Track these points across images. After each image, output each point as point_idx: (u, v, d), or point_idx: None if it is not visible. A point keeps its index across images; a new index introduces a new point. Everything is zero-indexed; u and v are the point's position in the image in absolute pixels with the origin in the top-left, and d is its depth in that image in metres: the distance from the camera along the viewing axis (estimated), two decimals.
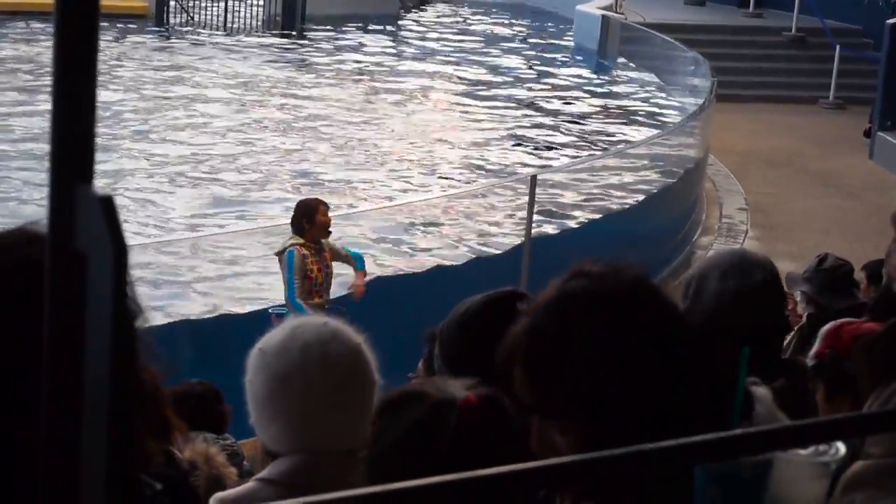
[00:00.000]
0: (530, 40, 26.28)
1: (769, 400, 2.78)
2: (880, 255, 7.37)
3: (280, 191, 14.38)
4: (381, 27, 26.44)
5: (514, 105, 19.89)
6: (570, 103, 20.24)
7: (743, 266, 3.77)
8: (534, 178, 10.44)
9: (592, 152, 16.79)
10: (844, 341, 4.31)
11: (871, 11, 21.58)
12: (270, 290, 10.14)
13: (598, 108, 19.95)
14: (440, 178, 15.54)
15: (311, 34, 25.51)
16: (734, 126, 17.81)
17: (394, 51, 24.31)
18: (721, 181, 15.52)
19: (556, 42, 25.97)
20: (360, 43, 24.80)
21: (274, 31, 25.45)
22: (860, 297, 6.29)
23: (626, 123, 18.91)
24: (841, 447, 1.71)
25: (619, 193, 14.01)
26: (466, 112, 19.32)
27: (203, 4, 25.77)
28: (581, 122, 19.03)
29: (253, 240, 11.11)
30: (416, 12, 29.36)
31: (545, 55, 24.60)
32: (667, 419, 1.82)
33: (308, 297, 8.50)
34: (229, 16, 25.68)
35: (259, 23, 25.86)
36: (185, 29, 25.24)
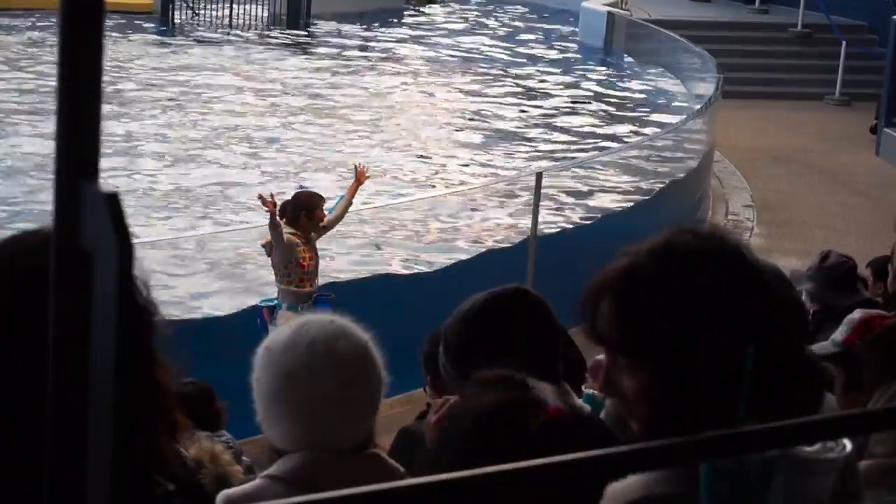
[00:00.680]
0: (535, 37, 26.25)
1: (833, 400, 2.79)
2: (887, 252, 7.36)
3: (281, 188, 14.40)
4: (386, 24, 26.43)
5: (518, 101, 19.87)
6: (575, 100, 20.21)
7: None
8: (539, 175, 10.43)
9: (598, 149, 16.78)
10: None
11: (877, 7, 21.55)
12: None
13: (603, 105, 19.93)
14: (442, 175, 15.54)
15: (316, 31, 25.51)
16: (740, 123, 17.79)
17: (399, 47, 24.30)
18: (727, 178, 15.51)
19: (562, 39, 25.95)
20: (365, 40, 24.79)
21: (279, 29, 25.45)
22: (865, 293, 6.28)
23: (631, 120, 18.89)
24: (847, 443, 1.71)
25: (625, 190, 14.01)
26: (470, 109, 19.30)
27: (208, 1, 25.76)
28: (586, 118, 19.02)
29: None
30: (421, 9, 29.33)
31: (550, 52, 24.57)
32: (734, 385, 1.83)
33: (299, 285, 8.59)
34: (234, 13, 25.68)
35: (264, 20, 25.85)
36: (189, 26, 25.25)
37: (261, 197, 8.68)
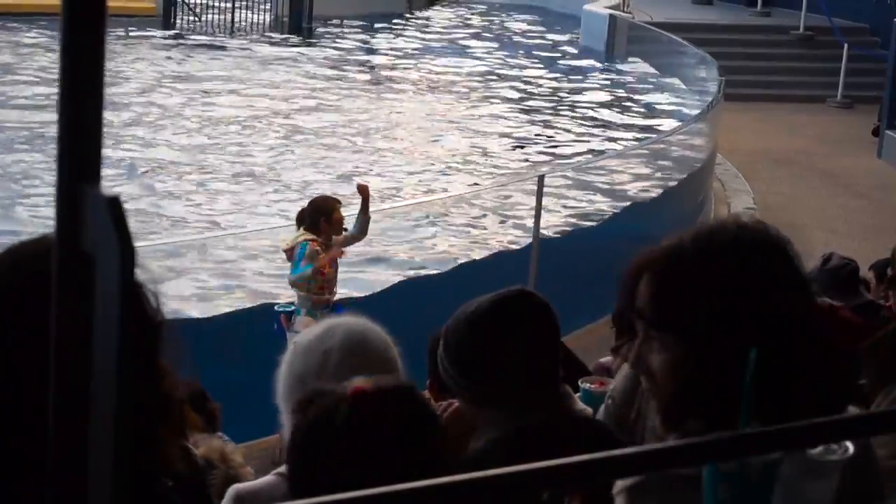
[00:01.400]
0: (537, 40, 26.26)
1: None
2: (889, 254, 7.36)
3: (287, 189, 14.40)
4: (388, 27, 26.45)
5: (519, 104, 19.88)
6: (577, 103, 20.22)
7: None
8: (541, 177, 10.43)
9: (600, 152, 16.78)
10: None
11: (879, 9, 21.55)
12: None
13: (605, 108, 19.93)
14: (444, 176, 15.54)
15: (318, 34, 25.53)
16: (742, 125, 17.79)
17: (401, 51, 24.31)
18: (729, 180, 15.51)
19: (564, 42, 25.96)
20: (367, 43, 24.82)
21: (280, 33, 25.47)
22: (867, 295, 6.28)
23: (633, 123, 18.90)
24: (850, 446, 1.71)
25: (627, 193, 14.00)
26: (472, 112, 19.31)
27: (210, 5, 25.79)
28: (589, 121, 19.02)
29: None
30: (423, 12, 29.36)
31: (552, 55, 24.58)
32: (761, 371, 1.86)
33: (318, 293, 8.47)
34: (236, 17, 25.71)
35: (266, 24, 25.87)
36: (192, 30, 25.27)
37: (359, 187, 8.90)
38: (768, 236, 2.04)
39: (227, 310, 9.93)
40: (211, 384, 5.71)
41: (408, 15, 28.60)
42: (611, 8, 24.39)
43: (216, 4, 25.82)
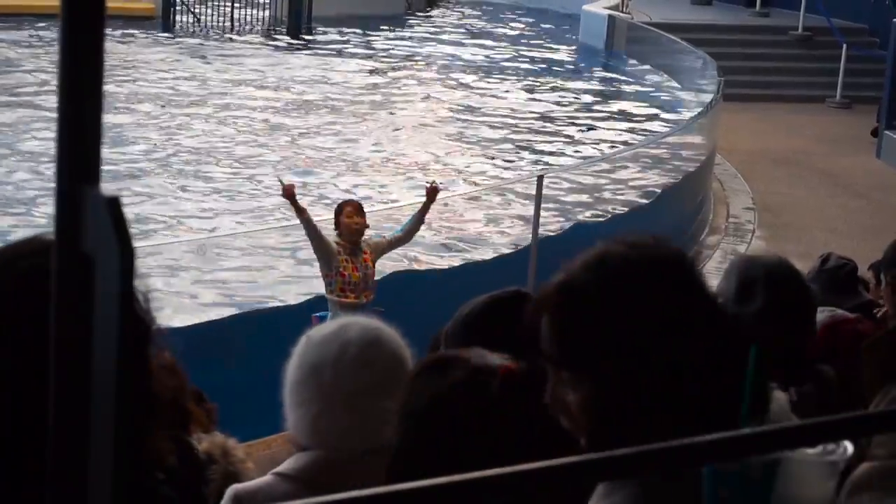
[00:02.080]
0: (536, 40, 26.27)
1: (784, 400, 2.78)
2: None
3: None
4: (387, 28, 26.45)
5: (519, 104, 19.88)
6: (575, 102, 20.23)
7: (788, 275, 3.76)
8: (540, 178, 10.44)
9: (599, 152, 16.78)
10: (844, 341, 4.30)
11: (878, 10, 21.56)
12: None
13: (603, 108, 19.94)
14: (441, 179, 15.52)
15: (316, 35, 25.52)
16: (741, 125, 17.80)
17: (399, 52, 24.31)
18: (728, 180, 15.51)
19: (563, 42, 25.97)
20: (366, 44, 24.81)
21: (280, 33, 25.47)
22: (866, 295, 6.27)
23: (632, 123, 18.89)
24: (849, 446, 1.71)
25: (626, 193, 14.00)
26: (470, 112, 19.30)
27: (209, 5, 25.79)
28: (587, 121, 19.02)
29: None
30: (422, 14, 29.36)
31: (551, 55, 24.59)
32: (676, 393, 1.85)
33: (340, 295, 8.40)
34: (235, 17, 25.71)
35: (265, 24, 25.87)
36: (191, 30, 25.27)
37: (280, 180, 8.72)
38: (660, 252, 1.96)
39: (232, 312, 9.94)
40: (210, 385, 5.72)
41: (406, 16, 28.59)
42: (610, 8, 24.39)
43: (215, 4, 25.81)
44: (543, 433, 1.99)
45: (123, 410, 0.81)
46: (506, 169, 16.04)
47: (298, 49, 24.05)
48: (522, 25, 28.23)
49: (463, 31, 27.45)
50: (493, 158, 16.59)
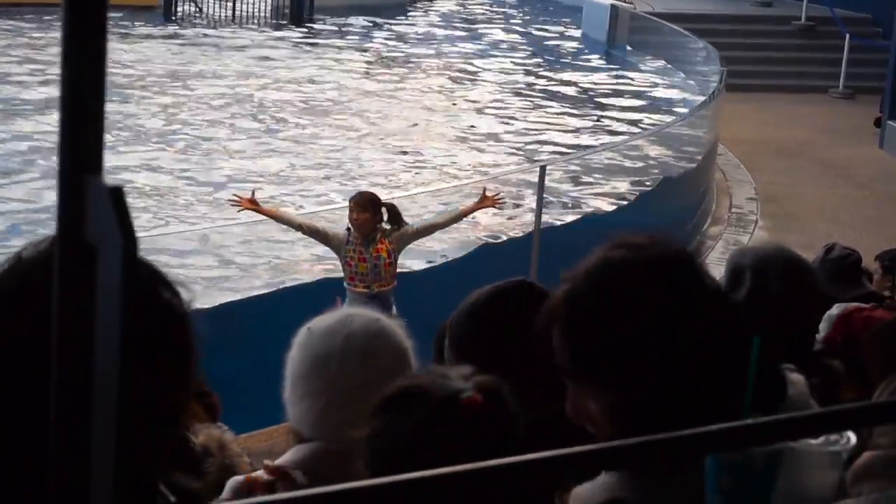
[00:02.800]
0: (538, 30, 26.24)
1: (802, 384, 2.78)
2: (891, 245, 7.35)
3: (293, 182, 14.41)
4: (389, 17, 26.43)
5: (521, 93, 19.87)
6: (578, 93, 20.21)
7: (796, 265, 3.75)
8: (543, 168, 10.43)
9: (601, 142, 16.77)
10: (856, 329, 4.29)
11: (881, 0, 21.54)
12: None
13: (606, 98, 19.92)
14: (443, 169, 15.53)
15: (319, 25, 25.50)
16: (744, 116, 17.78)
17: (402, 41, 24.29)
18: (731, 171, 15.50)
19: (565, 32, 25.94)
20: (368, 34, 24.79)
21: (282, 23, 25.46)
22: (870, 286, 6.27)
23: (635, 113, 18.88)
24: (852, 436, 1.71)
25: (629, 183, 14.00)
26: (473, 102, 19.30)
27: None
28: (590, 112, 19.01)
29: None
30: (426, 2, 29.33)
31: (553, 45, 24.57)
32: (699, 392, 1.84)
33: (349, 283, 8.52)
34: (237, 7, 25.70)
35: (267, 14, 25.86)
36: (193, 20, 25.26)
37: (235, 197, 8.79)
38: (661, 251, 1.94)
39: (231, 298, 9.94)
40: (210, 375, 5.72)
41: (408, 5, 28.56)
42: None
43: None
44: (524, 443, 1.97)
45: (126, 404, 0.81)
46: (509, 155, 16.03)
47: (300, 39, 24.01)
48: (524, 13, 28.19)
49: (465, 19, 27.41)
50: (492, 149, 16.57)
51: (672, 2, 24.03)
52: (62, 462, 0.83)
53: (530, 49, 23.99)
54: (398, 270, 8.71)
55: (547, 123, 18.14)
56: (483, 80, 20.90)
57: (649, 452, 1.10)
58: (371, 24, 25.62)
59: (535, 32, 26.00)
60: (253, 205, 8.64)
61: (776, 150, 16.61)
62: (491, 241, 11.95)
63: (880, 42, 20.53)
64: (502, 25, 26.77)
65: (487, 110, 18.77)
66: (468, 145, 16.73)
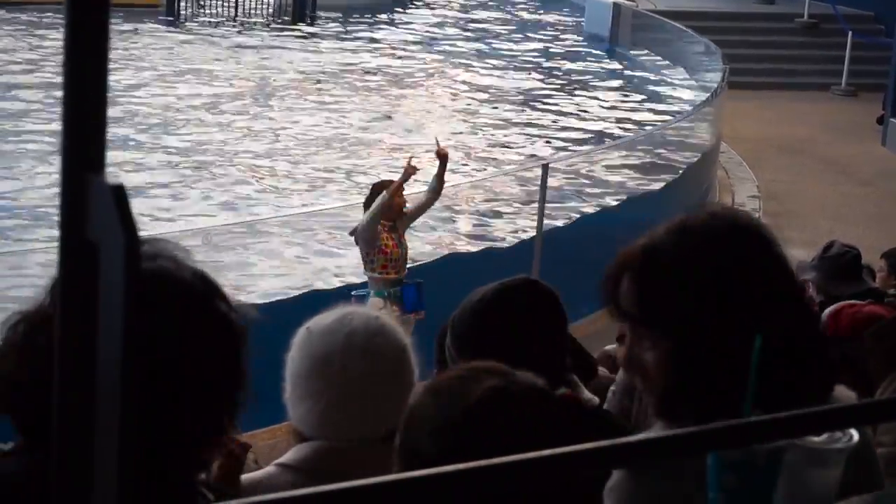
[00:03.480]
0: (541, 28, 26.23)
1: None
2: (892, 242, 7.34)
3: (297, 180, 14.42)
4: (391, 14, 26.42)
5: (523, 92, 19.86)
6: (581, 91, 20.20)
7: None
8: (545, 166, 10.43)
9: (604, 140, 16.76)
10: (843, 325, 4.29)
11: None
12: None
13: (609, 96, 19.91)
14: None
15: (321, 23, 25.51)
16: (746, 113, 17.77)
17: (403, 39, 24.28)
18: (733, 168, 15.50)
19: (568, 29, 25.93)
20: (369, 31, 24.78)
21: (284, 20, 25.46)
22: (871, 283, 6.26)
23: (637, 111, 18.88)
24: (855, 434, 1.71)
25: (630, 181, 13.99)
26: (475, 100, 19.29)
27: None
28: (592, 110, 19.00)
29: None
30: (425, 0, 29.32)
31: (556, 43, 24.55)
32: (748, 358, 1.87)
33: (382, 272, 8.52)
34: (240, 5, 25.71)
35: (269, 12, 25.86)
36: (195, 18, 25.27)
37: (438, 152, 8.90)
38: (740, 221, 2.06)
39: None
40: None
41: (410, 2, 28.54)
42: None
43: None
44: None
45: (128, 402, 0.81)
46: (508, 156, 16.02)
47: (302, 36, 24.01)
48: (527, 11, 28.17)
49: (468, 15, 27.40)
50: (494, 146, 16.57)
51: None
52: (65, 461, 0.83)
53: (531, 47, 23.97)
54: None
55: (548, 121, 18.13)
56: (484, 77, 20.88)
57: (653, 451, 1.10)
58: (372, 22, 25.60)
59: (536, 29, 25.97)
60: (445, 162, 8.83)
61: (778, 148, 16.60)
62: (493, 241, 11.95)
63: (883, 39, 20.51)
64: (503, 22, 26.75)
65: (488, 110, 18.76)
66: (469, 144, 16.72)
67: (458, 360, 2.89)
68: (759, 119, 18.11)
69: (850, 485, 1.82)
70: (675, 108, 18.11)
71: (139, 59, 20.56)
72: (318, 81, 19.86)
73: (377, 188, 8.74)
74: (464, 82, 20.59)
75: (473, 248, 11.64)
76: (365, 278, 8.74)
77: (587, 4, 25.18)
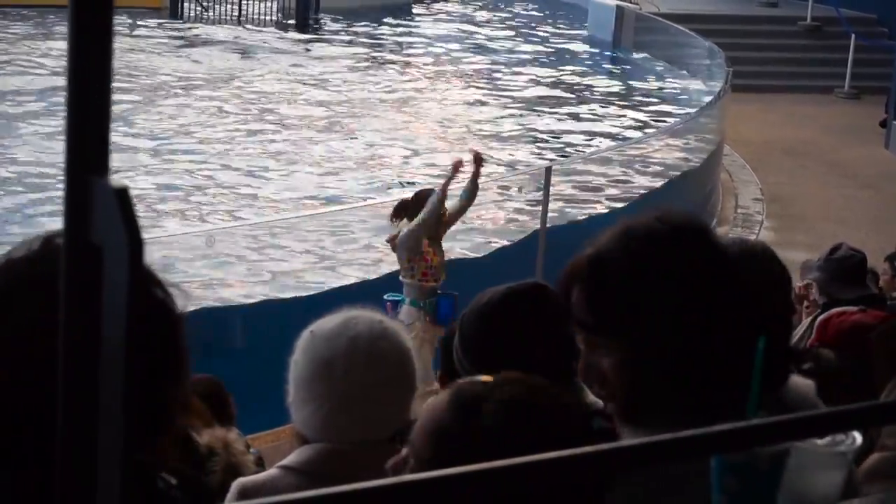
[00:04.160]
0: (543, 30, 26.23)
1: (810, 387, 2.77)
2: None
3: (297, 185, 14.43)
4: (395, 19, 26.43)
5: (527, 95, 19.86)
6: (584, 94, 20.20)
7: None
8: (548, 169, 10.43)
9: (607, 143, 16.76)
10: (829, 333, 4.30)
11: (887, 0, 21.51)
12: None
13: (612, 100, 19.91)
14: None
15: (324, 26, 25.51)
16: (749, 116, 17.76)
17: (407, 42, 24.29)
18: (737, 171, 15.49)
19: (571, 32, 25.92)
20: (373, 34, 24.79)
21: (287, 24, 25.46)
22: (873, 288, 6.25)
23: (640, 114, 18.87)
24: (857, 436, 1.71)
25: (634, 184, 13.99)
26: (478, 104, 19.30)
27: None
28: (596, 113, 19.00)
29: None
30: (429, 3, 29.32)
31: (558, 45, 24.55)
32: (705, 355, 1.92)
33: (422, 279, 8.46)
34: (243, 8, 25.72)
35: (273, 15, 25.87)
36: (199, 21, 25.28)
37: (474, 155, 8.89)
38: (683, 223, 2.05)
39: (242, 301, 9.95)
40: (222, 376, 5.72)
41: (415, 5, 28.55)
42: None
43: None
44: None
45: (132, 402, 0.81)
46: (513, 155, 16.03)
47: (305, 40, 24.02)
48: (531, 14, 28.18)
49: (471, 19, 27.40)
50: (497, 150, 16.57)
51: (677, 2, 24.00)
52: (68, 459, 0.83)
53: (535, 49, 23.97)
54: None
55: (552, 124, 18.13)
56: (486, 80, 20.89)
57: (654, 453, 1.10)
58: (376, 24, 25.61)
59: (539, 33, 25.97)
60: (479, 164, 8.84)
61: (782, 151, 16.59)
62: (495, 241, 11.95)
63: (886, 42, 20.50)
64: (507, 26, 26.75)
65: (489, 110, 18.76)
66: (471, 145, 16.71)
67: (464, 361, 2.89)
68: (763, 122, 18.11)
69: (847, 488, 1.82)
70: (679, 111, 18.10)
71: (139, 62, 20.57)
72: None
73: (421, 196, 8.67)
74: (465, 87, 20.60)
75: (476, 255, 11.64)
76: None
77: (590, 7, 25.18)
